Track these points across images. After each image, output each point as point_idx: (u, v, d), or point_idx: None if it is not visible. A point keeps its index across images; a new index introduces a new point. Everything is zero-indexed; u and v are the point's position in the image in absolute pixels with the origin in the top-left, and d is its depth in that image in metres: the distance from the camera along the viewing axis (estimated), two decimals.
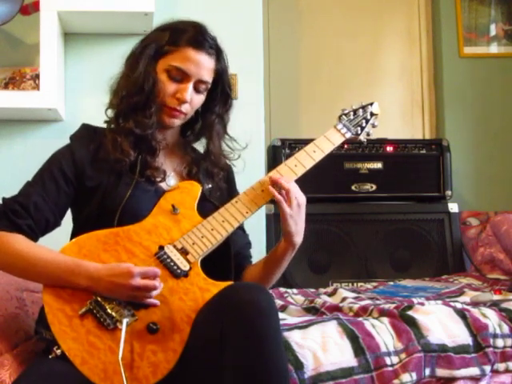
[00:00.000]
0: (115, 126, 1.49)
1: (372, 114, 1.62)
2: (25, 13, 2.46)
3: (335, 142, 1.55)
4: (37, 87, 2.43)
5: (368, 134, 1.61)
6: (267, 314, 1.20)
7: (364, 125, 1.60)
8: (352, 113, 1.61)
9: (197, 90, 1.49)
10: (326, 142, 1.54)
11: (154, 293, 1.29)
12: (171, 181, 1.52)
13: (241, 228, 1.62)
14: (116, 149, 1.45)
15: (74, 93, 2.64)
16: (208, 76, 1.49)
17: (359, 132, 1.60)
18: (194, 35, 1.47)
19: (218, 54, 1.51)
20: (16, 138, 2.61)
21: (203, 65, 1.47)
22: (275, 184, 1.43)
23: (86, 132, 1.52)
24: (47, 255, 1.33)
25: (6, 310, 1.49)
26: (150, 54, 1.48)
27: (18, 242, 1.35)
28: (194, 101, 1.49)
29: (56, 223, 1.45)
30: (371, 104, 1.63)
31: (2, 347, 1.38)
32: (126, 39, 2.58)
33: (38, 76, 2.43)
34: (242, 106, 2.68)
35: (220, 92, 1.55)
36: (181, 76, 1.47)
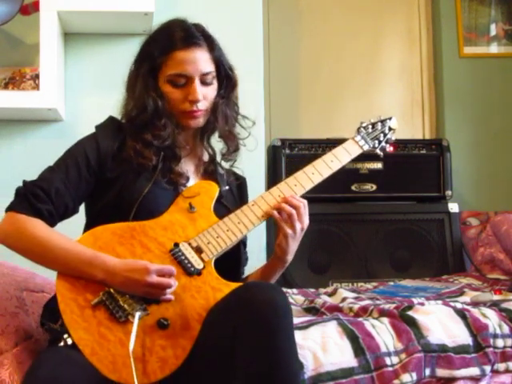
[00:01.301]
0: (133, 134, 1.49)
1: (390, 129, 1.64)
2: (25, 13, 2.45)
3: (353, 153, 1.57)
4: (37, 87, 2.43)
5: (384, 149, 1.63)
6: (283, 314, 1.20)
7: (381, 139, 1.62)
8: (370, 126, 1.62)
9: (204, 83, 1.49)
10: (344, 152, 1.56)
11: (169, 291, 1.30)
12: (190, 181, 1.53)
13: (243, 243, 1.62)
14: (137, 155, 1.46)
15: (74, 93, 2.64)
16: (208, 66, 1.49)
17: (376, 145, 1.62)
18: (177, 37, 1.48)
19: (208, 41, 1.50)
20: (16, 138, 2.61)
21: (198, 59, 1.47)
22: (287, 202, 1.43)
23: (112, 125, 1.53)
24: (66, 243, 1.34)
25: (5, 309, 1.49)
26: (145, 73, 1.49)
27: (38, 227, 1.36)
28: (207, 95, 1.49)
29: (74, 210, 1.46)
30: (390, 118, 1.65)
31: (1, 346, 1.38)
32: (126, 39, 2.59)
33: (37, 76, 2.43)
34: (242, 106, 2.68)
35: (223, 76, 1.54)
36: (183, 80, 1.47)
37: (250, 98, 2.73)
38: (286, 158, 2.71)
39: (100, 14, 2.48)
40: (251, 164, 2.66)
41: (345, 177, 2.79)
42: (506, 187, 3.28)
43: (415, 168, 2.85)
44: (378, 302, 1.94)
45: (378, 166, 2.82)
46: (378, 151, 1.62)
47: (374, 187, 2.81)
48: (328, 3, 3.49)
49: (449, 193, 2.83)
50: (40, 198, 1.38)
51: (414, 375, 1.49)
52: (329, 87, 3.42)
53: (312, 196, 2.68)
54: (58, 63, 2.49)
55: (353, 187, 2.80)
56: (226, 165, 1.63)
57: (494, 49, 3.38)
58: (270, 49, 3.37)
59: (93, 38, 2.66)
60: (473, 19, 3.36)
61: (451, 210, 2.81)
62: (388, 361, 1.49)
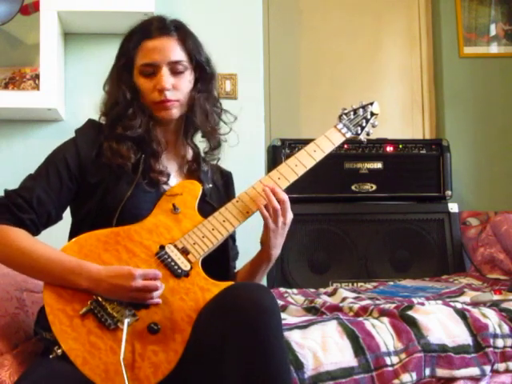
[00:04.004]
0: (108, 133, 1.48)
1: (372, 114, 1.62)
2: (25, 13, 2.46)
3: (335, 141, 1.55)
4: (37, 87, 2.44)
5: (368, 134, 1.61)
6: (270, 314, 1.19)
7: (364, 124, 1.60)
8: (352, 112, 1.60)
9: (175, 72, 1.47)
10: (327, 141, 1.54)
11: (156, 293, 1.29)
12: (172, 181, 1.51)
13: (232, 237, 1.61)
14: (115, 155, 1.44)
15: (74, 93, 2.65)
16: (177, 55, 1.48)
17: (359, 132, 1.59)
18: (144, 28, 1.49)
19: (179, 32, 1.50)
20: (16, 137, 2.61)
21: (165, 47, 1.46)
22: (272, 193, 1.42)
23: (92, 128, 1.52)
24: (50, 253, 1.33)
25: (5, 310, 1.49)
26: (119, 67, 1.50)
27: (21, 237, 1.35)
28: (177, 84, 1.47)
29: (58, 217, 1.45)
30: (371, 103, 1.63)
31: (1, 347, 1.38)
32: None
33: (37, 76, 2.44)
34: (242, 106, 2.68)
35: (198, 68, 1.52)
36: (152, 69, 1.46)
37: (250, 97, 2.75)
38: (285, 158, 2.71)
39: (100, 13, 2.48)
40: (251, 164, 2.68)
41: (345, 177, 2.80)
42: (506, 187, 3.29)
43: (415, 168, 2.85)
44: (377, 301, 1.94)
45: (378, 165, 2.82)
46: (361, 137, 1.59)
47: (374, 187, 2.81)
48: (328, 3, 3.49)
49: (449, 193, 2.84)
50: (22, 207, 1.37)
51: (414, 375, 1.49)
52: (329, 87, 3.42)
53: (312, 196, 2.72)
54: (58, 63, 2.49)
55: (353, 187, 2.80)
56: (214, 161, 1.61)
57: (494, 49, 3.39)
58: (270, 49, 3.38)
59: (93, 38, 2.67)
60: (473, 19, 3.37)
61: (451, 210, 2.81)
62: (388, 360, 1.49)
